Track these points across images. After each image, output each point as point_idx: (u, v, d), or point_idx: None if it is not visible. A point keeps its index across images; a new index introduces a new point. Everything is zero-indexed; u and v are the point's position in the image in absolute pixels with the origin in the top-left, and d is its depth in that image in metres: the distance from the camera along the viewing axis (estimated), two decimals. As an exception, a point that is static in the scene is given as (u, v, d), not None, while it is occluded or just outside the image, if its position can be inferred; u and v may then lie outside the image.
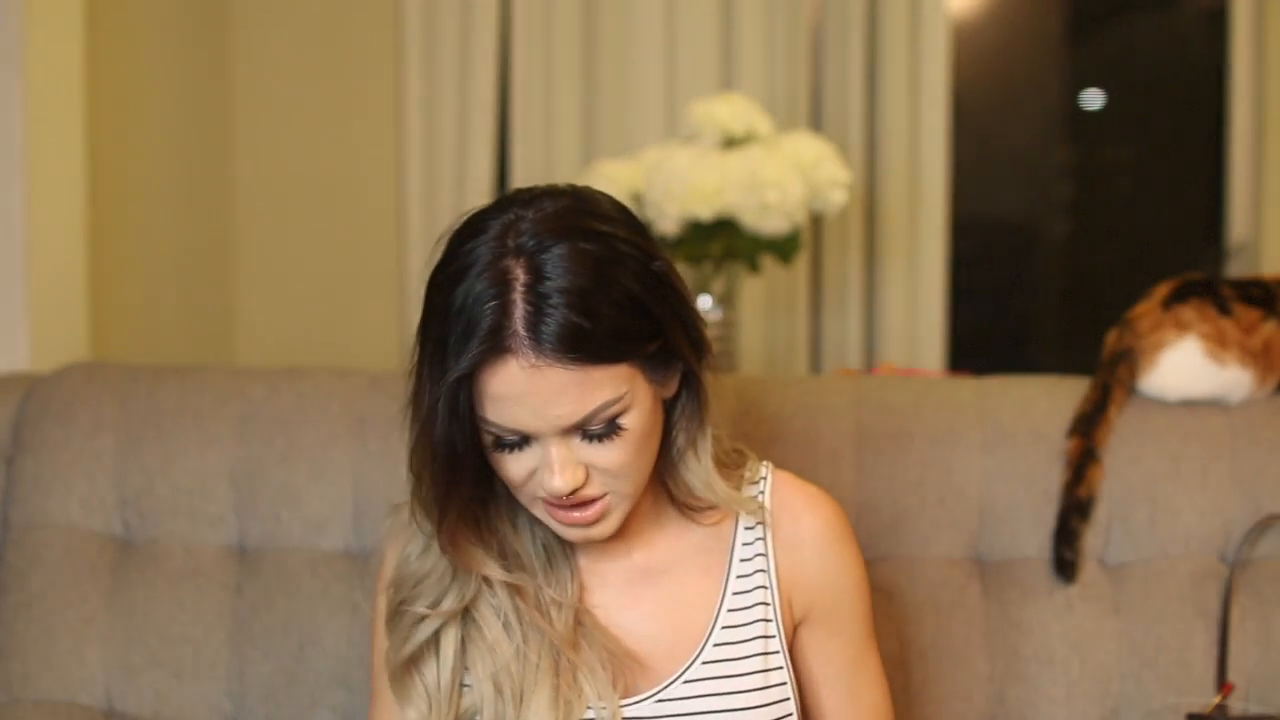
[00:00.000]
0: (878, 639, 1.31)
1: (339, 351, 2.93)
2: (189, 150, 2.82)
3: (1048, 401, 1.61)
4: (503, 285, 1.07)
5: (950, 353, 3.12)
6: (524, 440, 1.11)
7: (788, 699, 1.22)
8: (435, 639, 1.19)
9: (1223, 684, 1.51)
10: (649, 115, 3.02)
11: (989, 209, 3.40)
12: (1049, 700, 1.52)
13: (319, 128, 3.04)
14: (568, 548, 1.23)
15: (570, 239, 1.08)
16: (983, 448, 1.58)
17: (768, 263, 2.49)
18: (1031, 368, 1.93)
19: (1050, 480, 1.57)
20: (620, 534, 1.19)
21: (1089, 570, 1.56)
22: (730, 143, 2.37)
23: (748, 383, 1.65)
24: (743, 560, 1.24)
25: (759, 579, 1.23)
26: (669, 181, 2.31)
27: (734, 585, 1.23)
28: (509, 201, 1.13)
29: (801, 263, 3.01)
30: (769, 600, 1.23)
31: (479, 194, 2.97)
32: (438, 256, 1.13)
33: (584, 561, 1.24)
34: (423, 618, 1.19)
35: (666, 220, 2.31)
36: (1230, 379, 1.60)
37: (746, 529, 1.24)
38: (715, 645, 1.21)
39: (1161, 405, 1.61)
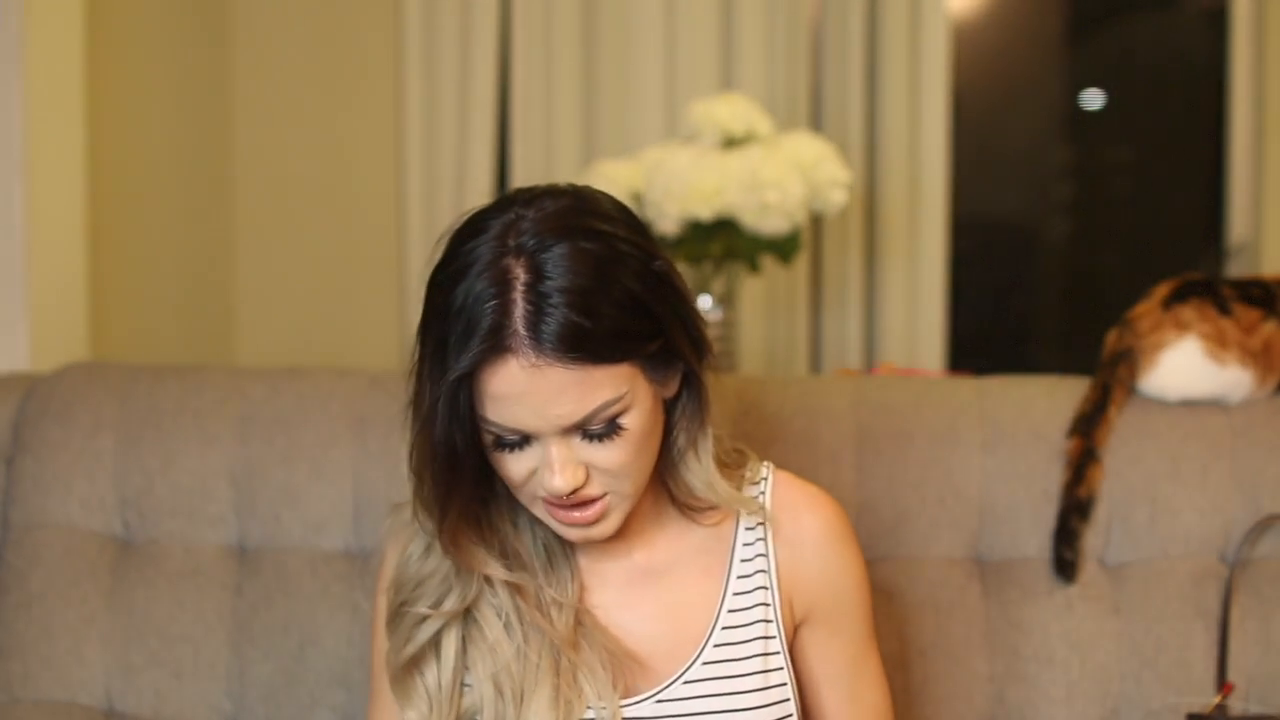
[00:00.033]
0: (878, 639, 1.31)
1: (339, 351, 2.93)
2: (189, 150, 2.82)
3: (1048, 401, 1.61)
4: (503, 285, 1.07)
5: (950, 353, 3.12)
6: (524, 440, 1.11)
7: (788, 699, 1.22)
8: (436, 640, 1.19)
9: (1223, 684, 1.51)
10: (649, 115, 3.02)
11: (989, 209, 3.40)
12: (1049, 700, 1.52)
13: (319, 128, 3.04)
14: (568, 547, 1.23)
15: (571, 238, 1.08)
16: (983, 448, 1.58)
17: (768, 263, 2.49)
18: (1031, 368, 1.93)
19: (1050, 480, 1.57)
20: (621, 534, 1.19)
21: (1089, 570, 1.56)
22: (730, 143, 2.37)
23: (748, 383, 1.65)
24: (743, 560, 1.24)
25: (760, 579, 1.23)
26: (669, 181, 2.31)
27: (734, 585, 1.23)
28: (510, 201, 1.12)
29: (801, 263, 3.01)
30: (769, 601, 1.23)
31: (479, 194, 2.97)
32: (438, 256, 1.13)
33: (584, 561, 1.24)
34: (424, 618, 1.19)
35: (666, 220, 2.31)
36: (1230, 379, 1.60)
37: (747, 529, 1.24)
38: (715, 646, 1.21)
39: (1161, 405, 1.61)
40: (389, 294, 3.06)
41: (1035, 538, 1.57)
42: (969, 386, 1.66)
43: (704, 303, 2.45)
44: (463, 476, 1.13)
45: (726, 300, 2.50)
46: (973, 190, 3.22)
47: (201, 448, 1.59)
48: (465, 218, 1.13)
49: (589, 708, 1.17)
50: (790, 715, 1.22)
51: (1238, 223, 3.20)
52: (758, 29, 3.02)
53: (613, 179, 2.39)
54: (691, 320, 1.15)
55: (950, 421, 1.60)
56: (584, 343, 1.06)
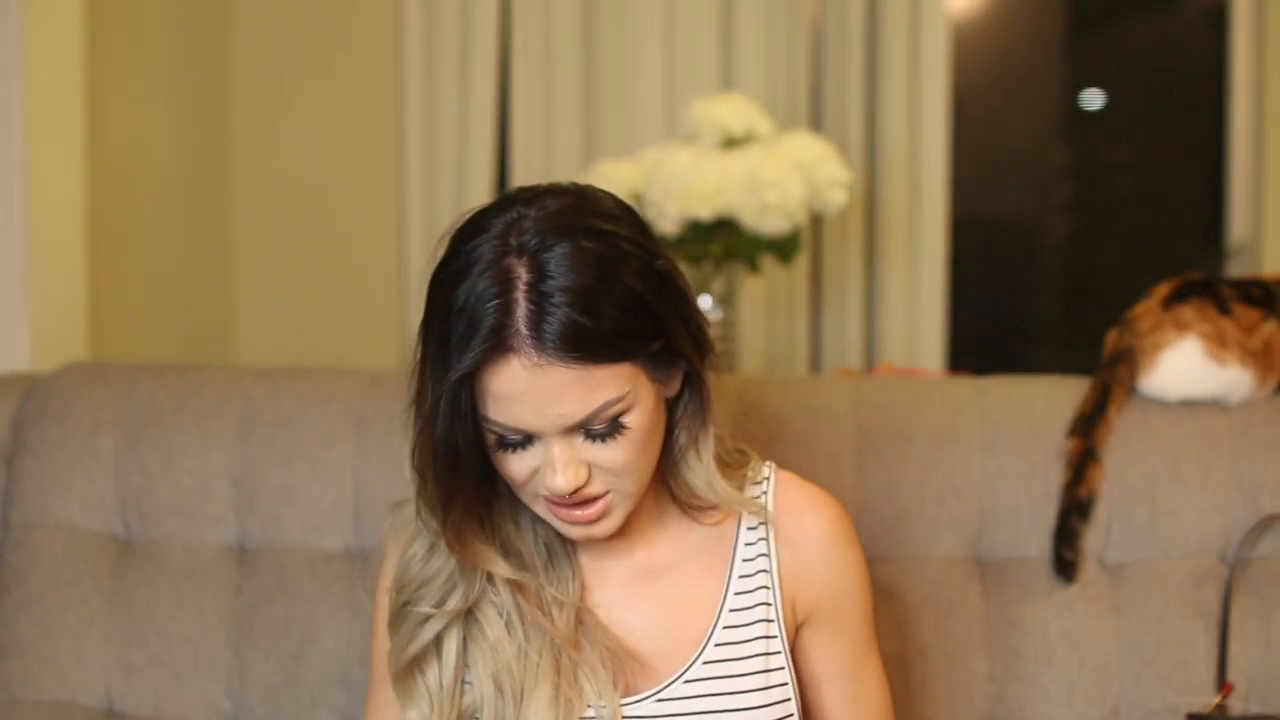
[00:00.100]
0: (878, 639, 1.31)
1: (339, 351, 2.93)
2: (189, 151, 2.82)
3: (1048, 401, 1.61)
4: (505, 284, 1.07)
5: (950, 353, 3.12)
6: (527, 439, 1.11)
7: (789, 699, 1.22)
8: (437, 639, 1.19)
9: (1223, 684, 1.51)
10: (649, 115, 3.02)
11: (989, 209, 3.40)
12: (1049, 700, 1.52)
13: (319, 128, 3.04)
14: (569, 546, 1.23)
15: (573, 237, 1.08)
16: (983, 448, 1.58)
17: (768, 263, 2.49)
18: (1031, 368, 1.93)
19: (1050, 480, 1.57)
20: (622, 533, 1.19)
21: (1089, 570, 1.56)
22: (730, 143, 2.37)
23: (748, 383, 1.65)
24: (745, 560, 1.23)
25: (761, 579, 1.23)
26: (669, 181, 2.31)
27: (736, 585, 1.23)
28: (511, 200, 1.12)
29: (801, 263, 3.01)
30: (771, 601, 1.23)
31: (479, 194, 2.97)
32: (440, 255, 1.12)
33: (585, 560, 1.24)
34: (427, 618, 1.19)
35: (666, 220, 2.31)
36: (1230, 379, 1.60)
37: (749, 529, 1.24)
38: (717, 645, 1.21)
39: (1161, 405, 1.61)
40: (389, 294, 3.06)
41: (1035, 538, 1.57)
42: (969, 386, 1.66)
43: (704, 303, 2.45)
44: (465, 476, 1.13)
45: (726, 300, 2.50)
46: (973, 190, 3.22)
47: (201, 448, 1.59)
48: (467, 217, 1.13)
49: (589, 706, 1.17)
50: (791, 715, 1.22)
51: (1238, 223, 3.20)
52: (758, 29, 3.02)
53: (613, 179, 2.39)
54: (693, 319, 1.15)
55: (950, 421, 1.60)
56: (586, 342, 1.06)
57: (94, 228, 2.26)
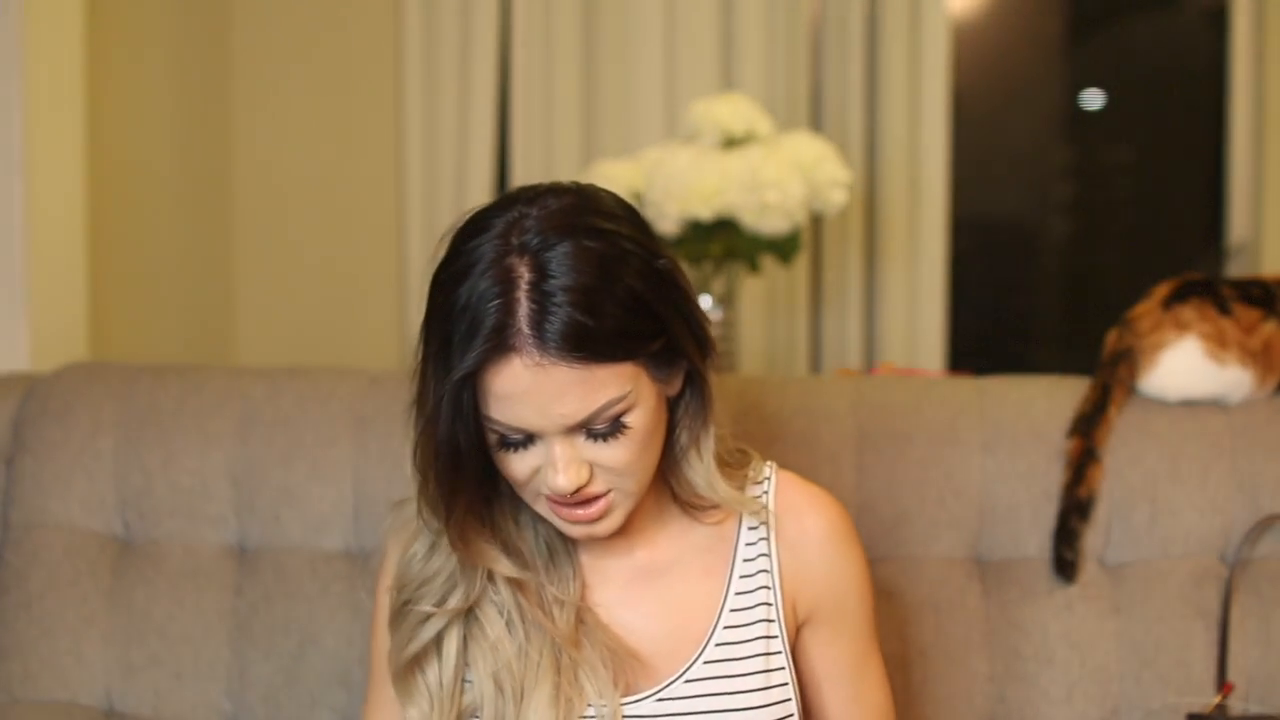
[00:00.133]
0: (879, 639, 1.31)
1: (339, 351, 2.93)
2: (189, 150, 2.82)
3: (1048, 401, 1.61)
4: (507, 283, 1.07)
5: (950, 353, 3.12)
6: (528, 439, 1.11)
7: (789, 699, 1.22)
8: (438, 638, 1.19)
9: (1223, 684, 1.51)
10: (649, 115, 3.02)
11: (989, 209, 3.40)
12: (1049, 700, 1.52)
13: (319, 128, 3.04)
14: (570, 545, 1.23)
15: (574, 237, 1.08)
16: (983, 448, 1.58)
17: (768, 263, 2.49)
18: (1031, 368, 1.93)
19: (1050, 480, 1.57)
20: (623, 532, 1.19)
21: (1089, 570, 1.56)
22: (730, 143, 2.37)
23: (748, 383, 1.65)
24: (746, 560, 1.23)
25: (762, 579, 1.23)
26: (669, 181, 2.31)
27: (737, 585, 1.23)
28: (513, 199, 1.12)
29: (801, 263, 3.01)
30: (771, 601, 1.23)
31: (479, 194, 2.97)
32: (441, 254, 1.12)
33: (586, 559, 1.24)
34: (428, 617, 1.19)
35: (666, 220, 2.31)
36: (1230, 379, 1.60)
37: (750, 529, 1.24)
38: (717, 645, 1.21)
39: (1161, 405, 1.61)
40: (389, 294, 3.06)
41: (1035, 538, 1.57)
42: (969, 386, 1.66)
43: (704, 303, 2.45)
44: (467, 475, 1.13)
45: (726, 300, 2.50)
46: (973, 190, 3.22)
47: (201, 448, 1.59)
48: (468, 216, 1.13)
49: (589, 706, 1.17)
50: (791, 715, 1.22)
51: (1238, 223, 3.20)
52: (758, 29, 3.02)
53: (613, 179, 2.38)
54: (695, 318, 1.15)
55: (950, 421, 1.60)
56: (588, 341, 1.06)
57: (94, 228, 2.26)
